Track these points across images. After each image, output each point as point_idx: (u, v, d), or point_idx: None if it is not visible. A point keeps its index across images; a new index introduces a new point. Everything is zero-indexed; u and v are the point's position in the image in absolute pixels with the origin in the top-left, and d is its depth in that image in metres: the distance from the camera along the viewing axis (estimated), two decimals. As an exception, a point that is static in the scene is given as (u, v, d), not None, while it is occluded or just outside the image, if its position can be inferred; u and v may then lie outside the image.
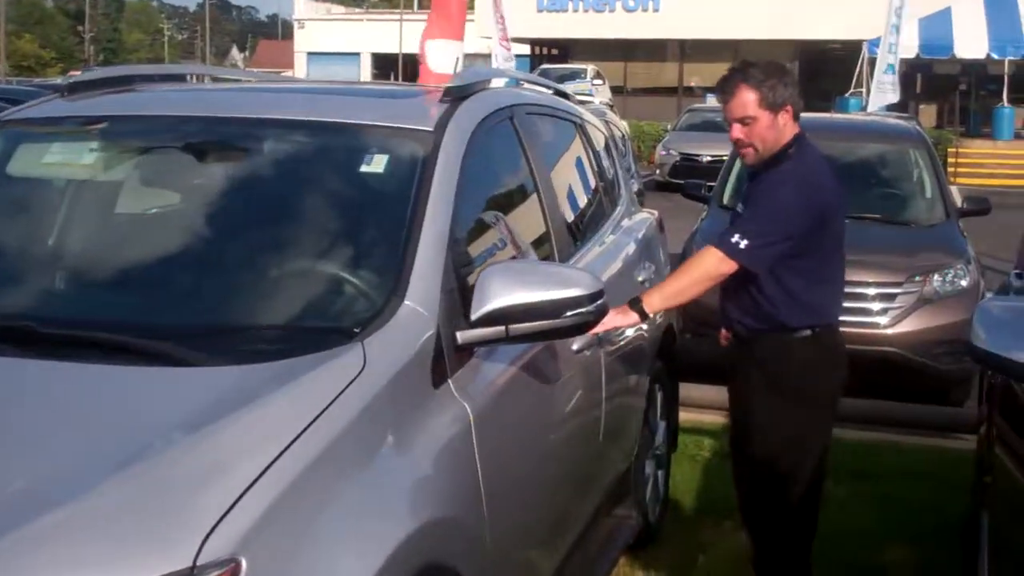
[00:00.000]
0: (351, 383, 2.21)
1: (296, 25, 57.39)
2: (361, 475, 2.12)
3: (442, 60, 5.21)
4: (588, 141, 4.49)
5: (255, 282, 2.69)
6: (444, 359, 2.52)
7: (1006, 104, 27.10)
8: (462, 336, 2.59)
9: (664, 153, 21.47)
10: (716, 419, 5.98)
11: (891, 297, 7.10)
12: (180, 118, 3.24)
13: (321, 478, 2.02)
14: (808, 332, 3.61)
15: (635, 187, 11.78)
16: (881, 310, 7.08)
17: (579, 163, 4.33)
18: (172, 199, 3.19)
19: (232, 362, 2.29)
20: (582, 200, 4.20)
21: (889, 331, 7.04)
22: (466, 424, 2.50)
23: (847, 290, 3.86)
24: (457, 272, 2.71)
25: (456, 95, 3.21)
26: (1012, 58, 25.88)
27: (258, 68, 70.15)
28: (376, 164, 2.91)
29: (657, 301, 3.58)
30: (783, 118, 3.59)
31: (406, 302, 2.49)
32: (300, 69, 53.37)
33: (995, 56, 25.97)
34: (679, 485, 5.23)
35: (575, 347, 3.36)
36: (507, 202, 3.47)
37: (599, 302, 2.70)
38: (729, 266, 3.49)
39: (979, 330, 2.31)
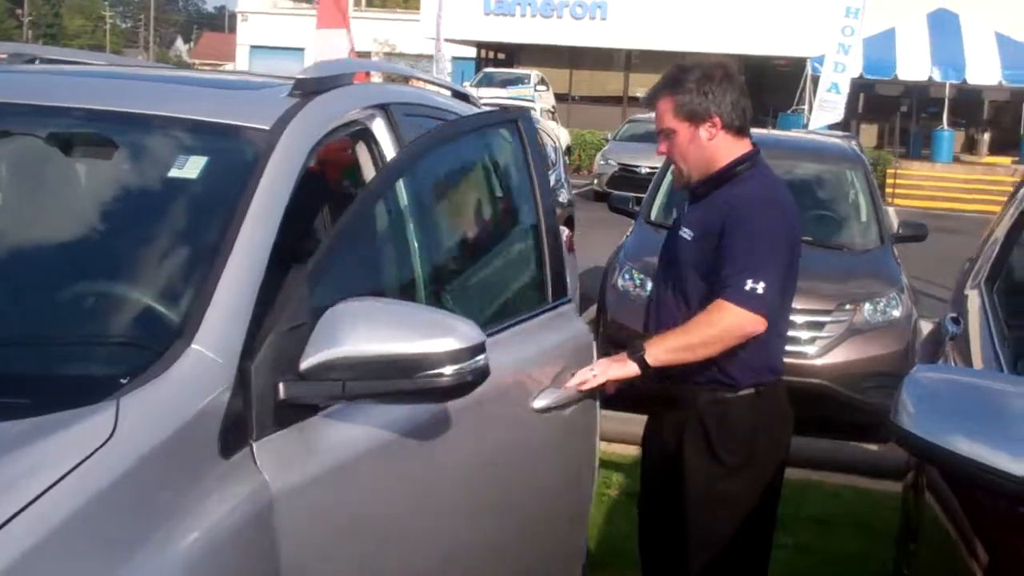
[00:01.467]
0: (85, 460, 1.67)
1: (240, 17, 56.46)
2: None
3: (327, 50, 4.70)
4: (489, 152, 4.00)
5: None
6: (248, 419, 2.00)
7: (946, 127, 27.12)
8: (287, 389, 2.08)
9: (603, 163, 21.08)
10: (628, 451, 5.54)
11: (819, 326, 6.73)
12: None
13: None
14: (752, 391, 3.13)
15: (564, 198, 11.39)
16: (809, 339, 6.70)
17: (473, 176, 3.83)
18: None
19: None
20: (473, 221, 3.64)
21: (817, 362, 6.67)
22: (262, 505, 1.94)
23: None
24: (292, 307, 2.17)
25: (308, 89, 2.70)
26: (954, 81, 25.88)
27: (199, 60, 69.14)
28: (190, 168, 2.38)
29: (661, 354, 3.01)
30: (708, 132, 3.11)
31: (194, 346, 1.96)
32: (242, 62, 52.46)
33: (937, 79, 25.95)
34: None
35: (537, 405, 2.88)
36: (367, 221, 2.98)
37: (478, 360, 2.13)
38: (758, 325, 2.95)
39: (907, 406, 1.85)
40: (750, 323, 2.94)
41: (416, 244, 2.91)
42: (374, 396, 2.11)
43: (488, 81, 28.45)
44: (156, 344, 1.98)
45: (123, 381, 1.87)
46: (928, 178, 25.11)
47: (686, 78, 3.13)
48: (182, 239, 2.27)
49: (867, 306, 6.88)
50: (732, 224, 3.01)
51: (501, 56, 36.37)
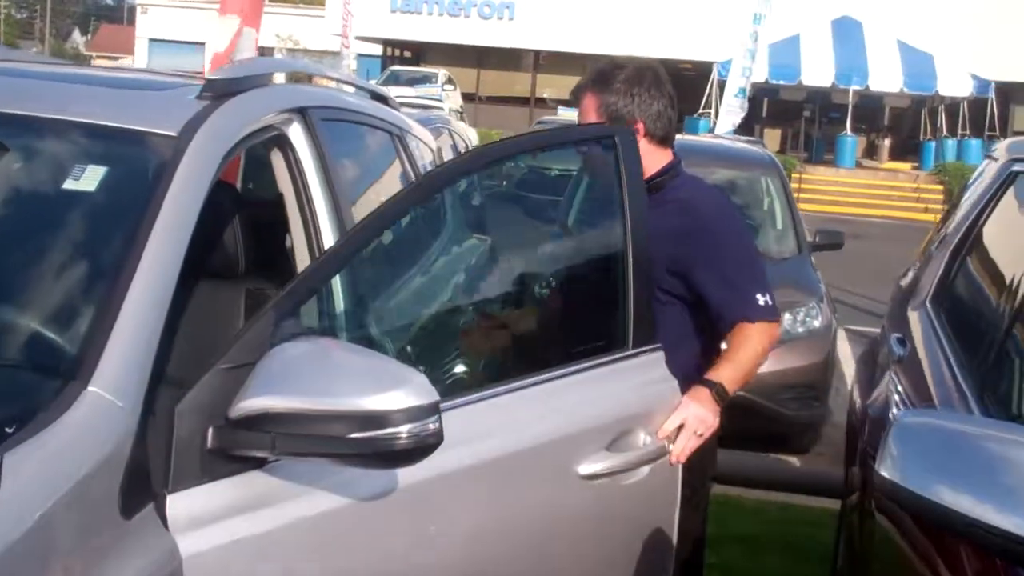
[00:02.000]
0: None
1: (139, 10, 55.17)
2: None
3: (221, 41, 4.38)
4: (410, 158, 3.76)
5: None
6: (162, 467, 1.76)
7: (849, 133, 27.56)
8: (217, 437, 1.82)
9: (512, 164, 20.89)
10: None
11: (738, 336, 6.60)
12: None
13: None
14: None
15: (477, 201, 11.18)
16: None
17: (395, 184, 3.58)
18: None
19: None
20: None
21: (737, 373, 6.53)
22: (169, 571, 1.69)
23: None
24: (242, 343, 1.92)
25: (220, 90, 2.44)
26: (857, 87, 26.28)
27: (97, 53, 67.37)
28: (87, 179, 2.10)
29: (732, 385, 2.78)
30: None
31: (91, 388, 1.70)
32: (141, 56, 51.24)
33: (840, 85, 26.34)
34: None
35: (584, 470, 2.44)
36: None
37: (430, 421, 1.80)
38: (778, 331, 2.92)
39: (894, 455, 1.68)
40: (776, 332, 2.90)
41: (446, 271, 2.70)
42: (308, 455, 1.83)
43: (395, 80, 28.12)
44: (46, 387, 1.72)
45: (8, 431, 1.60)
46: (832, 183, 25.48)
47: (615, 76, 2.96)
48: (76, 261, 2.01)
49: (786, 316, 6.76)
50: (708, 246, 2.86)
51: (407, 54, 36.03)
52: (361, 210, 3.08)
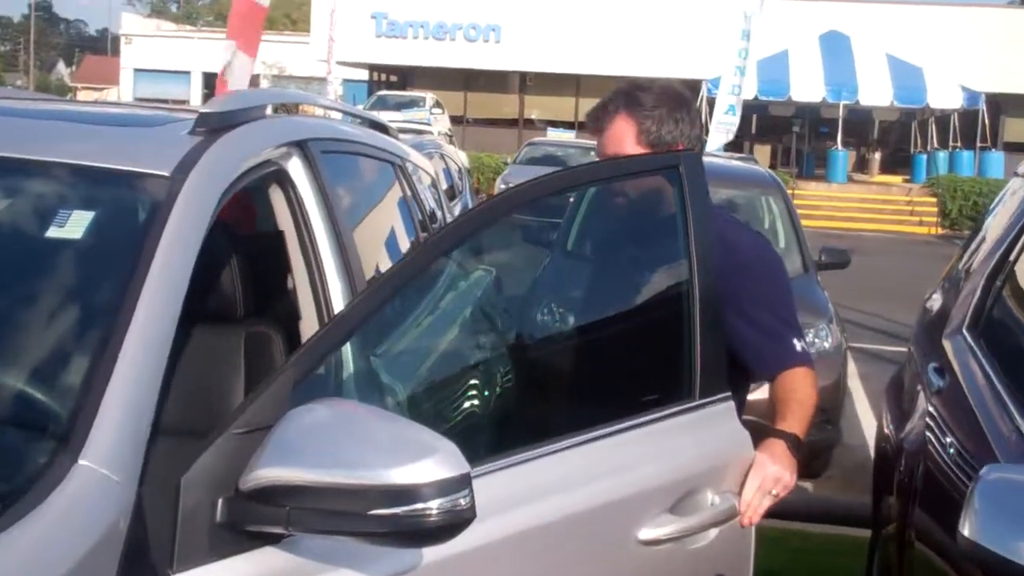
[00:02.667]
0: None
1: (123, 40, 55.14)
2: None
3: (239, 74, 4.24)
4: (412, 188, 3.58)
5: None
6: (167, 545, 1.58)
7: (840, 147, 27.50)
8: (227, 510, 1.64)
9: (504, 187, 20.80)
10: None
11: (748, 361, 6.43)
12: None
13: None
14: None
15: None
16: (737, 374, 6.40)
17: (400, 217, 3.41)
18: None
19: None
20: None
21: (747, 398, 6.36)
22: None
23: None
24: (258, 404, 1.74)
25: (214, 124, 2.27)
26: (846, 102, 26.25)
27: (82, 84, 67.22)
28: (72, 225, 1.92)
29: (803, 435, 2.56)
30: None
31: (82, 461, 1.52)
32: (126, 86, 51.14)
33: (830, 99, 26.30)
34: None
35: (644, 535, 2.21)
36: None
37: (462, 495, 1.62)
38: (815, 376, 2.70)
39: (977, 513, 1.50)
40: (815, 376, 2.67)
41: (454, 307, 2.50)
42: (328, 532, 1.64)
43: (382, 104, 28.02)
44: (30, 461, 1.54)
45: None
46: (825, 198, 25.40)
47: (649, 99, 2.71)
48: (63, 317, 1.82)
49: (796, 338, 6.61)
50: (747, 289, 2.66)
51: (394, 79, 35.94)
52: (366, 246, 2.90)
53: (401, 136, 4.29)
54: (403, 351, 2.57)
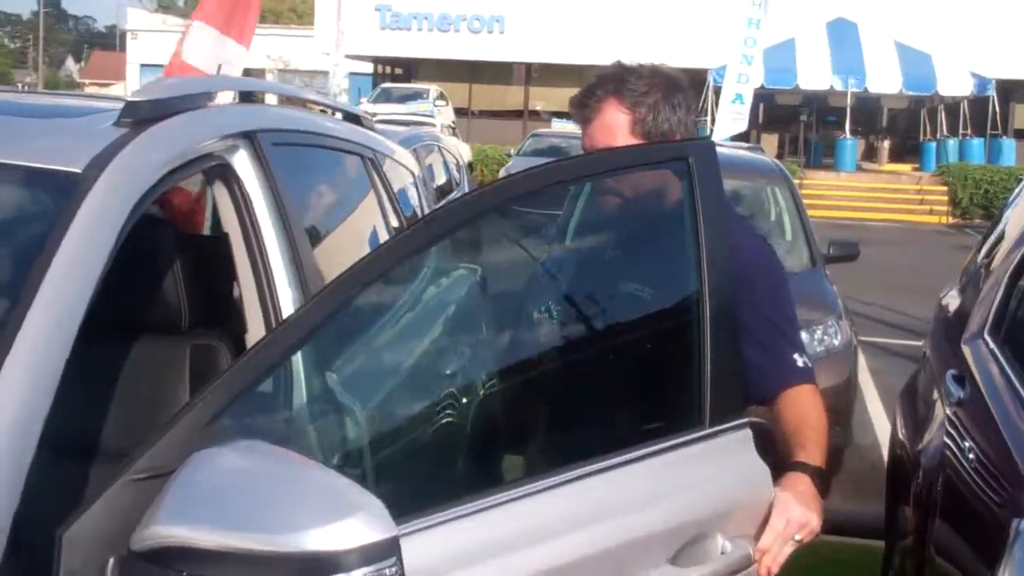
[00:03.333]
0: None
1: (129, 36, 55.06)
2: None
3: (202, 52, 3.96)
4: (385, 183, 3.31)
5: None
6: None
7: (848, 136, 27.19)
8: (119, 571, 1.39)
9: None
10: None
11: (753, 359, 6.17)
12: None
13: None
14: None
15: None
16: (742, 374, 6.14)
17: (368, 217, 3.14)
18: None
19: None
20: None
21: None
22: None
23: None
24: (164, 444, 1.49)
25: (143, 115, 2.01)
26: (854, 90, 25.92)
27: (90, 80, 67.14)
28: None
29: (824, 463, 2.22)
30: None
31: None
32: (132, 80, 51.05)
33: (837, 87, 25.97)
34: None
35: None
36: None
37: (389, 564, 1.36)
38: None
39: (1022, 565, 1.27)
40: (818, 393, 2.37)
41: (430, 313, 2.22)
42: None
43: (386, 97, 27.81)
44: None
45: None
46: (833, 187, 25.09)
47: (646, 84, 2.41)
48: None
49: (802, 335, 6.33)
50: (746, 300, 2.34)
51: (398, 71, 35.73)
52: (326, 249, 2.65)
53: (395, 128, 4.01)
54: (366, 365, 2.30)
